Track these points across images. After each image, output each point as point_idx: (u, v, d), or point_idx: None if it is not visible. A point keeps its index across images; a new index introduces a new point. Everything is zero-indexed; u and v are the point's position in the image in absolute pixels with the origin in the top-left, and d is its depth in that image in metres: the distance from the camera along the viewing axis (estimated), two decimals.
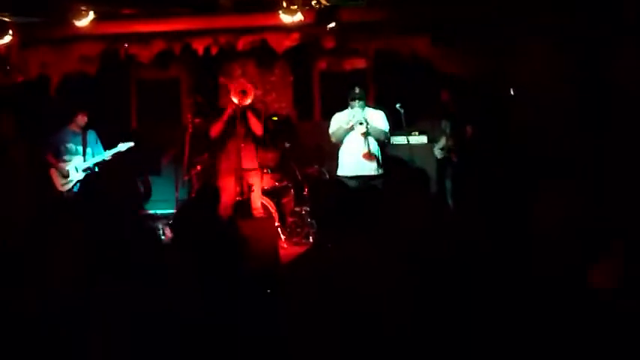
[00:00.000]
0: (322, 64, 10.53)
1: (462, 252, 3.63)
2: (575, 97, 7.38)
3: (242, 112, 7.84)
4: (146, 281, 3.44)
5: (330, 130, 7.57)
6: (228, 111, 7.82)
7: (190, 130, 8.12)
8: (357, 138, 7.45)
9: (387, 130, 7.56)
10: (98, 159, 8.22)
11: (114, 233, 3.70)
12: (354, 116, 7.38)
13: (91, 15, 7.55)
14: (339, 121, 7.54)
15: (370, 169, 7.43)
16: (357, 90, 7.46)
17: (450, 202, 8.62)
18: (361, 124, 7.32)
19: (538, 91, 7.75)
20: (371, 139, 7.45)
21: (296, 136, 9.88)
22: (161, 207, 8.83)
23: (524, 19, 7.32)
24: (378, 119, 7.53)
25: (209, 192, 5.37)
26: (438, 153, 8.80)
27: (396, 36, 8.49)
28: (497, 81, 8.31)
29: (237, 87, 7.85)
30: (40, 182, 8.36)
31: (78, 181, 8.04)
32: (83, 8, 7.46)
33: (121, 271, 3.44)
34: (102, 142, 8.40)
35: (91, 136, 8.35)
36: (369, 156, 7.43)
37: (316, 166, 8.99)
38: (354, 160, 7.47)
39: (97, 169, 8.11)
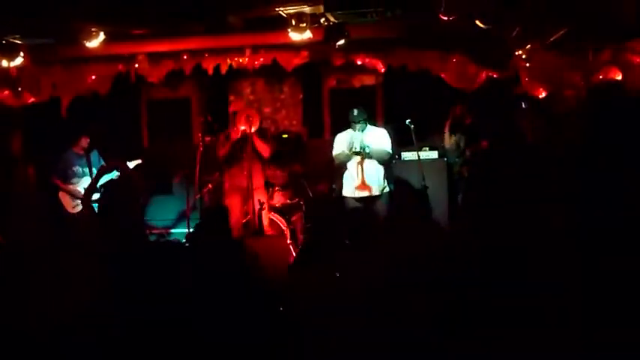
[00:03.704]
0: (332, 81, 10.54)
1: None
2: (587, 107, 7.37)
3: (247, 138, 7.93)
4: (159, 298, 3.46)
5: (334, 153, 7.60)
6: (234, 137, 7.90)
7: (201, 149, 8.12)
8: (356, 165, 7.48)
9: (390, 150, 7.56)
10: (106, 179, 8.23)
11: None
12: (352, 143, 7.38)
13: (102, 36, 7.58)
14: (340, 144, 7.56)
15: (373, 188, 7.47)
16: (355, 112, 7.43)
17: (462, 216, 8.59)
18: (357, 154, 7.34)
19: (550, 103, 7.75)
20: (369, 165, 7.46)
21: (306, 153, 9.88)
22: (172, 225, 8.84)
23: (534, 31, 7.30)
24: (381, 138, 7.54)
25: (217, 213, 5.37)
26: (455, 167, 8.76)
27: (406, 52, 8.50)
28: (508, 94, 8.30)
29: (243, 115, 7.91)
30: (50, 202, 8.40)
31: (93, 202, 8.06)
32: (94, 29, 7.49)
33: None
34: (111, 160, 8.43)
35: (94, 156, 8.39)
36: (364, 187, 7.45)
37: (327, 184, 8.97)
38: (358, 183, 7.50)
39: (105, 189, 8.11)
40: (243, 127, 7.81)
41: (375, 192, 7.47)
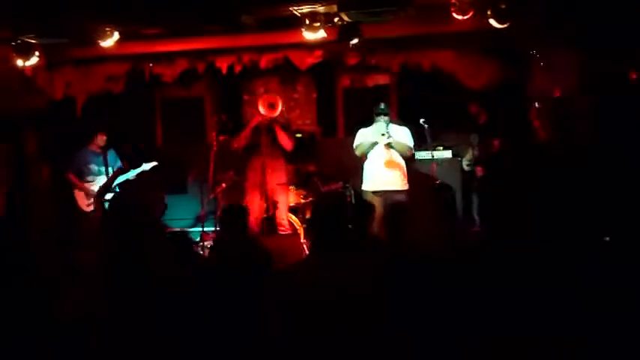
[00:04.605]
0: (345, 81, 10.52)
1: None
2: (601, 107, 7.33)
3: (268, 127, 7.88)
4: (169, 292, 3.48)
5: (355, 144, 7.59)
6: (254, 122, 7.87)
7: (215, 149, 8.13)
8: (381, 151, 7.47)
9: (412, 146, 7.55)
10: (122, 178, 8.27)
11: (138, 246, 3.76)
12: (377, 130, 7.39)
13: (116, 35, 7.60)
14: (363, 135, 7.57)
15: (394, 183, 7.43)
16: (382, 105, 7.52)
17: (475, 216, 8.57)
18: (383, 134, 7.33)
19: (563, 102, 7.71)
20: (395, 152, 7.45)
21: (320, 152, 9.87)
22: (186, 225, 8.84)
23: (548, 30, 7.27)
24: (403, 135, 7.54)
25: (235, 212, 5.37)
26: (465, 166, 8.75)
27: (420, 50, 8.48)
28: (522, 93, 8.26)
29: (265, 100, 7.90)
30: (65, 202, 8.44)
31: (106, 201, 8.10)
32: (108, 29, 7.52)
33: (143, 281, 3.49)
34: (127, 161, 8.47)
35: (111, 155, 8.45)
36: (392, 164, 7.42)
37: (340, 182, 8.96)
38: (378, 173, 7.48)
39: (121, 189, 8.16)
40: (264, 112, 7.78)
41: (398, 185, 7.46)
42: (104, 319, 3.39)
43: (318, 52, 8.50)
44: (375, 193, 7.38)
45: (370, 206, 5.84)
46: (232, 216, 5.30)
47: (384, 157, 7.47)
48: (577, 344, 3.19)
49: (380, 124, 7.43)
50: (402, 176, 7.51)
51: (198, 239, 7.81)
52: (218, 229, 5.50)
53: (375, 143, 7.43)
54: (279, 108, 7.89)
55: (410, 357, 3.14)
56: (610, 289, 3.70)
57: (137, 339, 3.31)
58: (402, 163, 7.53)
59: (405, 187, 7.51)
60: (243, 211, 5.43)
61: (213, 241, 6.57)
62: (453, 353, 3.34)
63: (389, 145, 7.40)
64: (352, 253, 3.47)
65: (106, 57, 8.52)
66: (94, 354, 3.30)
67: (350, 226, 4.03)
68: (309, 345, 3.08)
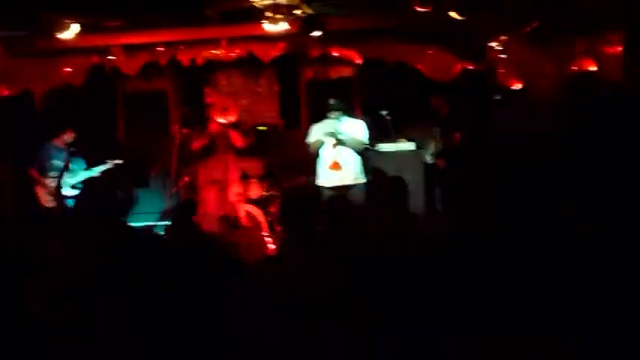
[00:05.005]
0: (309, 73, 10.52)
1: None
2: (562, 100, 7.42)
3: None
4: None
5: (309, 140, 7.65)
6: (210, 129, 7.90)
7: (178, 142, 8.10)
8: (329, 150, 7.53)
9: (365, 141, 7.61)
10: (86, 175, 8.21)
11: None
12: (327, 128, 7.47)
13: (76, 28, 7.52)
14: (316, 132, 7.65)
15: (343, 179, 7.49)
16: (332, 102, 7.56)
17: (439, 208, 8.62)
18: (333, 134, 7.38)
19: (524, 95, 7.80)
20: (344, 150, 7.52)
21: (283, 145, 9.87)
22: (150, 219, 8.78)
23: (509, 22, 7.35)
24: (357, 130, 7.60)
25: (183, 206, 5.39)
26: (428, 159, 8.80)
27: (383, 43, 8.51)
28: (483, 86, 8.34)
29: (218, 105, 7.91)
30: (26, 197, 8.34)
31: (68, 197, 8.03)
32: (68, 21, 7.43)
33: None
34: (89, 156, 8.39)
35: (74, 152, 8.34)
36: (336, 166, 7.49)
37: (303, 176, 8.97)
38: (327, 171, 7.55)
39: (85, 186, 8.08)
40: (221, 120, 7.82)
41: (349, 180, 7.51)
42: (69, 315, 3.36)
43: (281, 45, 8.49)
44: (329, 188, 7.43)
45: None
46: (181, 210, 5.32)
47: (330, 157, 7.56)
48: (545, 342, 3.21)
49: (329, 122, 7.50)
50: (357, 169, 7.56)
51: (163, 234, 7.77)
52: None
53: (327, 135, 7.48)
54: (233, 114, 7.94)
55: (375, 353, 3.16)
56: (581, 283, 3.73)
57: (103, 335, 3.30)
58: (353, 158, 7.57)
59: (361, 180, 7.56)
60: (191, 206, 5.45)
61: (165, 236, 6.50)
62: (419, 350, 3.35)
63: (336, 145, 7.45)
64: (322, 248, 3.49)
65: (66, 50, 8.42)
66: (56, 349, 3.28)
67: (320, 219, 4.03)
68: (278, 341, 3.08)
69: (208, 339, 3.33)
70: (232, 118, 7.86)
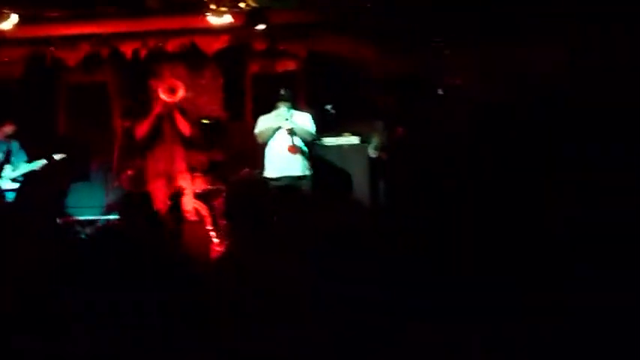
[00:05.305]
0: (254, 67, 10.47)
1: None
2: (503, 96, 7.53)
3: (169, 114, 7.76)
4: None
5: (256, 131, 7.64)
6: (156, 110, 7.72)
7: (120, 135, 7.99)
8: (283, 136, 7.53)
9: (313, 132, 7.64)
10: (27, 169, 8.06)
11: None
12: (279, 115, 7.47)
13: (15, 18, 7.37)
14: (264, 121, 7.63)
15: (296, 168, 7.53)
16: (282, 92, 7.59)
17: (383, 200, 8.68)
18: (287, 119, 7.40)
19: (466, 91, 7.90)
20: (297, 139, 7.54)
21: (228, 138, 9.82)
22: (90, 213, 8.66)
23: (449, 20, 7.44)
24: (304, 121, 7.64)
25: (136, 200, 5.30)
26: (372, 152, 8.85)
27: (327, 37, 8.53)
28: (426, 81, 8.42)
29: (165, 85, 7.77)
30: None
31: (8, 190, 7.88)
32: (6, 11, 7.28)
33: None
34: (29, 149, 8.23)
35: (14, 145, 8.17)
36: (294, 149, 7.49)
37: (248, 169, 8.95)
38: (280, 158, 7.55)
39: (25, 179, 7.93)
40: (165, 97, 7.63)
41: (297, 171, 7.52)
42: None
43: (225, 38, 8.47)
44: (276, 180, 7.41)
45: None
46: (134, 204, 5.23)
47: (286, 142, 7.54)
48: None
49: (281, 110, 7.49)
50: (305, 161, 7.58)
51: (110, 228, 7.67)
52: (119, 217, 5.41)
53: (278, 129, 7.48)
54: (180, 93, 7.76)
55: (336, 344, 3.17)
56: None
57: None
58: (305, 149, 7.60)
59: (307, 172, 7.58)
60: (147, 199, 5.36)
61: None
62: (376, 337, 3.37)
63: (291, 131, 7.44)
64: (273, 241, 3.48)
65: (4, 40, 8.24)
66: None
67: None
68: (234, 340, 3.07)
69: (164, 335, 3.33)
70: (178, 98, 7.69)
